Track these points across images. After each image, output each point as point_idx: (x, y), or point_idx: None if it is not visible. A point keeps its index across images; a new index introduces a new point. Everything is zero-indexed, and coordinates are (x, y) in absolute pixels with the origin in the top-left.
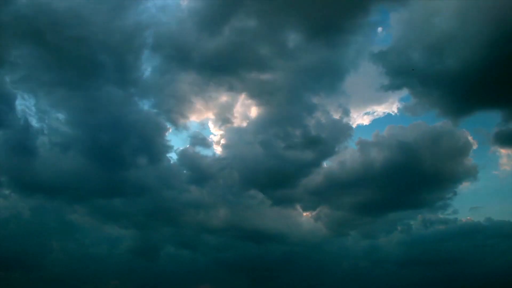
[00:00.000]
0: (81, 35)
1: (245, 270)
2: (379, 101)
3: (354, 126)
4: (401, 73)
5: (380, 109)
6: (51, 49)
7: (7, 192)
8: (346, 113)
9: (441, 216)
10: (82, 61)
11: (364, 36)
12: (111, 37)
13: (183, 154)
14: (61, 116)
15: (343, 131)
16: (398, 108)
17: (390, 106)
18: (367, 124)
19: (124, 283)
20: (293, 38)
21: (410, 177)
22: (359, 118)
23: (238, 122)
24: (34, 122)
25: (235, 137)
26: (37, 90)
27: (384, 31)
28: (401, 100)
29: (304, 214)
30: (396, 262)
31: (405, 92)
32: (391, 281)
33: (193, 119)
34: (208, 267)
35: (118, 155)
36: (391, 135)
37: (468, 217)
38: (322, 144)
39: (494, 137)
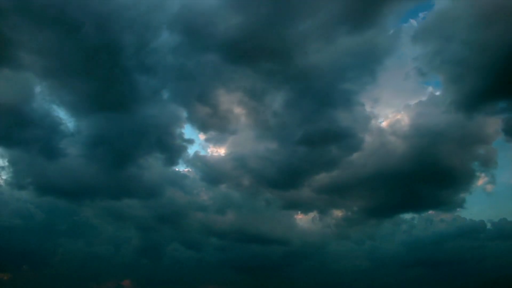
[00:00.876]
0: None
1: (253, 272)
2: (411, 94)
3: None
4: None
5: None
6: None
7: (21, 191)
8: (375, 107)
9: (453, 215)
10: (99, 43)
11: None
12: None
13: (197, 155)
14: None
15: (367, 126)
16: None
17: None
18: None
19: (134, 282)
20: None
21: (422, 174)
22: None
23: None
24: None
25: (252, 132)
26: (51, 78)
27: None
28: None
29: (312, 215)
30: (402, 264)
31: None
32: (395, 282)
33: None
34: (216, 269)
35: (131, 151)
36: (409, 122)
37: (480, 217)
38: (348, 138)
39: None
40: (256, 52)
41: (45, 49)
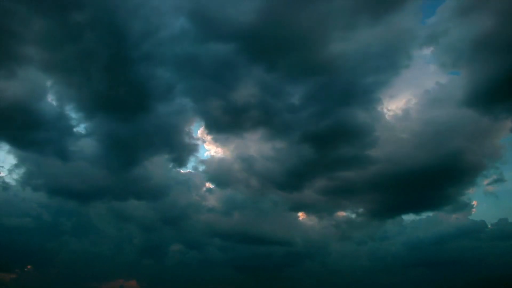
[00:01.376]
0: None
1: (259, 273)
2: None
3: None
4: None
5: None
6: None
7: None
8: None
9: (457, 215)
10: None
11: None
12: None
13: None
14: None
15: (381, 123)
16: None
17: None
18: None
19: (140, 282)
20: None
21: (427, 174)
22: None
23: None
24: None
25: (263, 131)
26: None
27: None
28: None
29: (316, 217)
30: (404, 264)
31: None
32: (397, 283)
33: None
34: (222, 269)
35: (139, 152)
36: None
37: (486, 217)
38: (361, 137)
39: None
40: (272, 43)
41: (47, 42)
